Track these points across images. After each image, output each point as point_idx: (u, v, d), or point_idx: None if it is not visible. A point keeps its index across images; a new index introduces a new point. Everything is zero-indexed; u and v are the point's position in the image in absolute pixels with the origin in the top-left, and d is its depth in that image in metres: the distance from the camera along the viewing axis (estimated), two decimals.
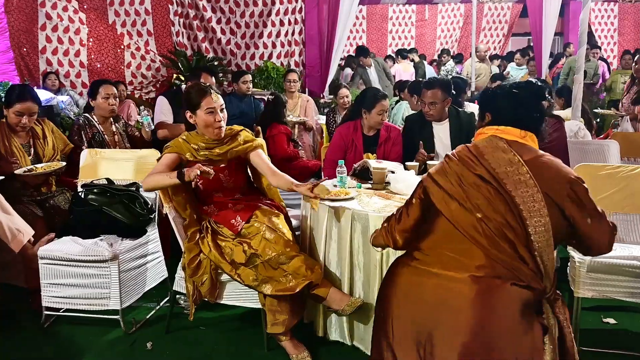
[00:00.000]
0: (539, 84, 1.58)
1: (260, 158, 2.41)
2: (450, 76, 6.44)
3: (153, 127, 3.30)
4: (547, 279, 1.43)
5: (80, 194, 2.62)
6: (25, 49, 5.49)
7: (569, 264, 2.29)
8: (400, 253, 1.68)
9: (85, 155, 2.91)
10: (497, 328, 1.36)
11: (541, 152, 1.50)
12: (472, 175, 1.46)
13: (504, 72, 7.72)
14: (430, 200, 1.50)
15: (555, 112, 3.83)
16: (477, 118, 3.12)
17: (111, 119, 3.23)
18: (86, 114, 3.25)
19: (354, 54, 7.46)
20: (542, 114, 1.55)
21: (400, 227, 1.58)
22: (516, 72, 7.94)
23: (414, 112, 3.87)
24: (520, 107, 1.53)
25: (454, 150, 1.56)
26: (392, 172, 2.56)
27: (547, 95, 1.58)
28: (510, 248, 1.40)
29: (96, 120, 3.19)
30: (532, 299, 1.41)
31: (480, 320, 1.36)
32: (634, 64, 4.29)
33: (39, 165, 2.79)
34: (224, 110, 2.36)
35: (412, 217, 1.55)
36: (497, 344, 1.35)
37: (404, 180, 2.45)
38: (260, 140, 2.48)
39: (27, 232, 2.42)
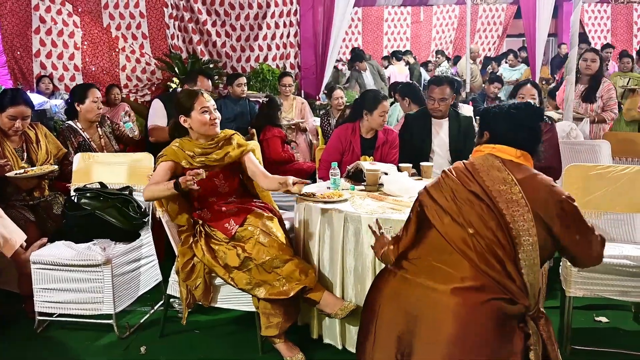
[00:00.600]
0: (537, 105, 1.62)
1: (252, 162, 2.42)
2: None
3: (136, 131, 3.31)
4: (531, 297, 1.45)
5: (73, 198, 2.61)
6: (18, 53, 5.46)
7: (561, 263, 2.31)
8: None
9: (78, 159, 2.90)
10: (476, 340, 1.38)
11: (535, 171, 1.54)
12: (466, 191, 1.50)
13: (498, 74, 7.73)
14: (425, 214, 1.54)
15: (548, 113, 3.85)
16: (475, 123, 3.18)
17: (96, 123, 3.21)
18: (69, 122, 3.20)
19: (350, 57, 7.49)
20: (539, 135, 1.60)
21: (401, 245, 1.61)
22: (509, 74, 7.97)
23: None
24: (518, 128, 1.57)
25: (450, 166, 1.61)
26: (386, 174, 2.57)
27: (544, 117, 1.62)
28: (498, 264, 1.43)
29: (80, 126, 3.16)
30: (514, 312, 1.43)
31: (460, 332, 1.38)
32: (582, 61, 4.12)
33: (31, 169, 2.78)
34: (217, 110, 2.38)
35: (410, 232, 1.59)
36: (476, 356, 1.36)
37: (397, 181, 2.46)
38: (253, 144, 2.49)
39: (19, 237, 2.40)
